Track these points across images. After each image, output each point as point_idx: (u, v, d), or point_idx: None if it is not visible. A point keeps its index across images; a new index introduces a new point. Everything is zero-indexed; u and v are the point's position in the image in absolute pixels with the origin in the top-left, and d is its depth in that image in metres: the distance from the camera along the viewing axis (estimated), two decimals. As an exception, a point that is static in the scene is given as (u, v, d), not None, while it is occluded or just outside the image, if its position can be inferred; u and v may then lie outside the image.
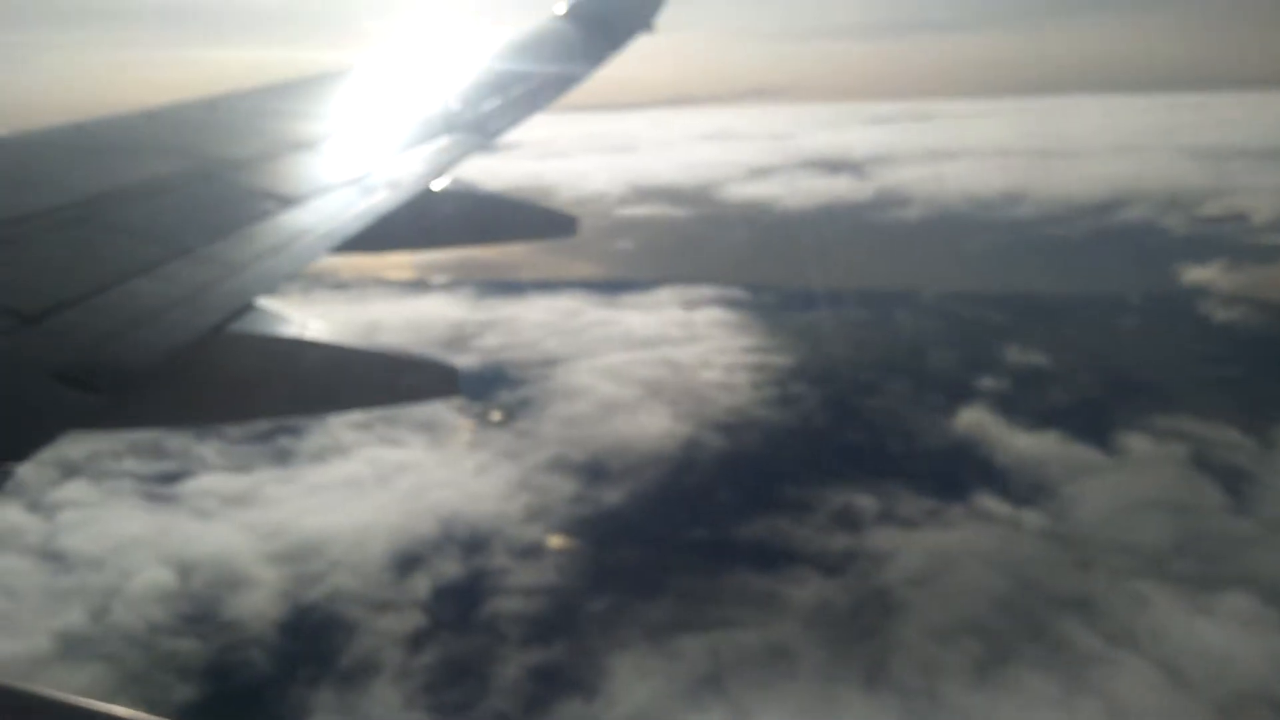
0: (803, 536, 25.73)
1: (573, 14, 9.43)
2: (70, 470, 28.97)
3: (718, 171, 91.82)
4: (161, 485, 28.44)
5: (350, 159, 5.48)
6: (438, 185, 5.57)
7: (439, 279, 56.06)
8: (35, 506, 27.08)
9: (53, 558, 24.00)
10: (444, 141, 6.18)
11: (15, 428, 2.56)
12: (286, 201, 4.56)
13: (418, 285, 55.89)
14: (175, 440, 30.80)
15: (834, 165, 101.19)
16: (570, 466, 28.70)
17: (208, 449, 30.65)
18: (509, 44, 8.72)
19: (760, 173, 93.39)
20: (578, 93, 8.36)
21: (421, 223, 5.40)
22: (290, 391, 3.68)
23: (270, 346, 3.59)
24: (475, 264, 57.01)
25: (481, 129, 6.68)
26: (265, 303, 3.70)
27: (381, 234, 4.73)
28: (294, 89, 6.94)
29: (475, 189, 6.13)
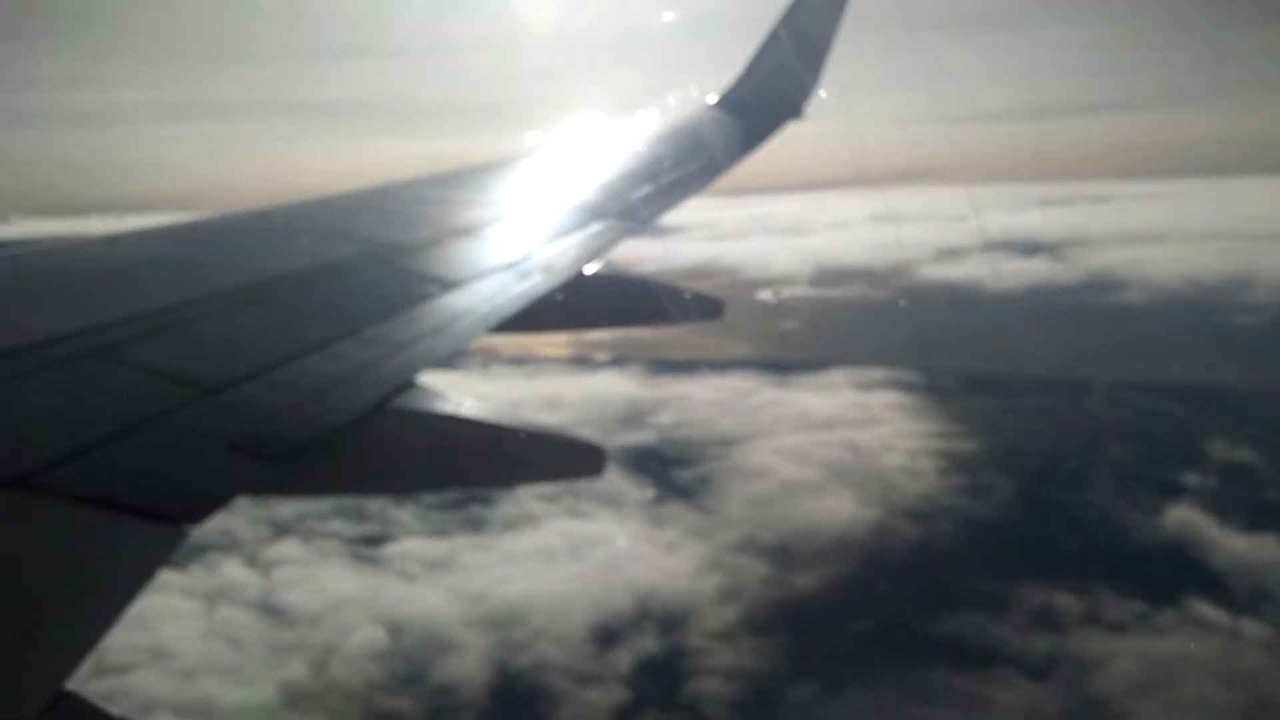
0: (1001, 635, 24.67)
1: (724, 102, 9.67)
2: (281, 529, 30.71)
3: (906, 253, 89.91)
4: (365, 547, 29.78)
5: (508, 244, 5.71)
6: (590, 269, 5.75)
7: (601, 356, 57.18)
8: (252, 562, 28.78)
9: (272, 612, 25.40)
10: (597, 227, 6.39)
11: (195, 492, 2.72)
12: (448, 285, 4.78)
13: (585, 362, 57.14)
14: (375, 505, 32.28)
15: (1026, 247, 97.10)
16: (760, 548, 28.52)
17: (405, 514, 31.98)
18: (662, 132, 8.95)
19: (951, 254, 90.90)
20: (731, 177, 8.49)
21: (575, 305, 5.50)
22: (446, 466, 3.77)
23: (428, 423, 3.65)
24: (638, 342, 57.87)
25: (634, 214, 6.86)
26: (425, 380, 3.82)
27: (537, 315, 4.90)
28: (458, 177, 7.30)
29: (624, 273, 6.24)
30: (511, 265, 5.30)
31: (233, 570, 27.91)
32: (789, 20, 9.82)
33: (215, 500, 2.74)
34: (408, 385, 3.71)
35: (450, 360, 3.97)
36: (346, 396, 3.45)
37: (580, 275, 5.60)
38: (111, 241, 5.08)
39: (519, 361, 53.86)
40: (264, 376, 3.43)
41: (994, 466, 35.51)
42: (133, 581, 2.37)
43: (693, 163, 8.19)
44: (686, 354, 55.98)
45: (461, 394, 3.81)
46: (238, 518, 32.57)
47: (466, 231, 5.87)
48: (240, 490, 2.85)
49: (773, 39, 9.86)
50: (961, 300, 78.76)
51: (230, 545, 29.50)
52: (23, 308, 3.83)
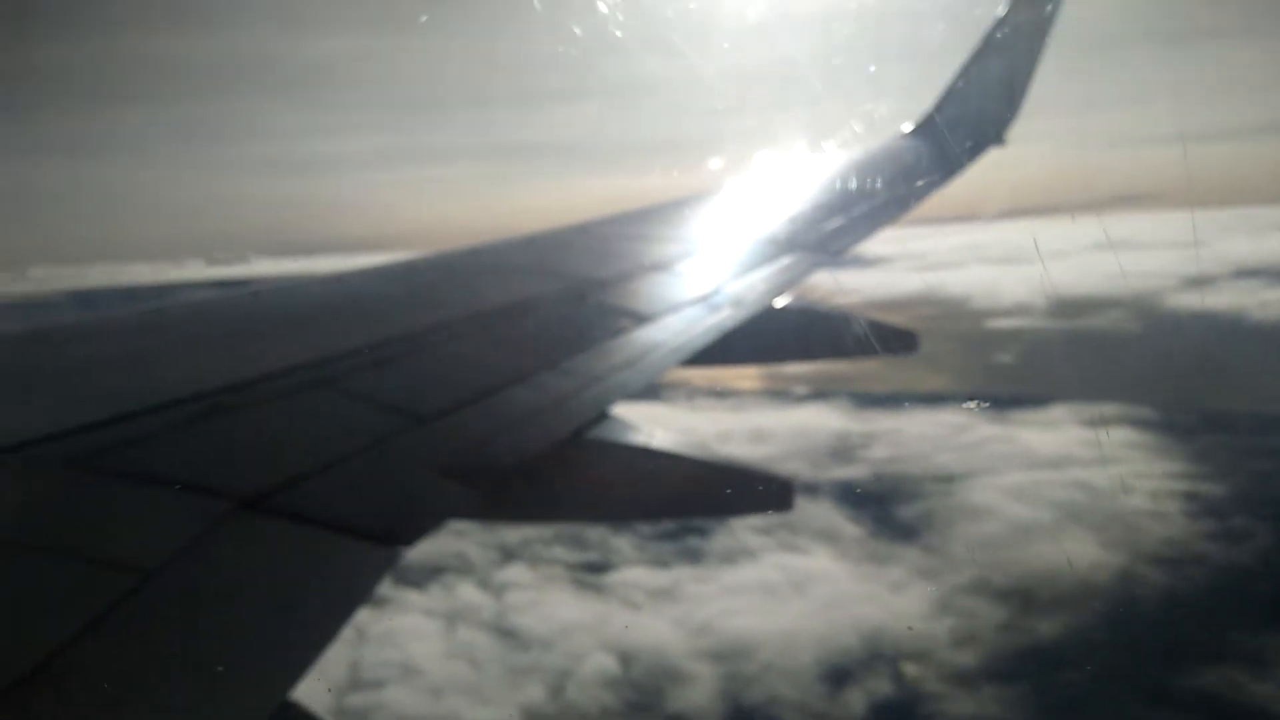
0: (1263, 692, 22.57)
1: (920, 131, 9.37)
2: (509, 553, 31.86)
3: (1145, 281, 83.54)
4: (588, 574, 30.46)
5: (700, 278, 5.74)
6: (781, 302, 5.68)
7: (800, 389, 56.37)
8: (485, 585, 29.99)
9: (507, 634, 26.35)
10: (788, 260, 6.34)
11: (407, 516, 2.84)
12: (641, 318, 4.90)
13: (785, 395, 56.52)
14: (595, 532, 32.97)
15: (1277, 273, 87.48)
16: (994, 591, 27.23)
17: (624, 543, 32.50)
18: (855, 163, 8.70)
19: (1199, 282, 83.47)
20: (931, 206, 8.24)
21: (767, 338, 5.48)
22: (636, 497, 3.85)
23: (619, 454, 3.71)
24: (838, 375, 56.68)
25: (827, 246, 6.76)
26: (619, 411, 3.88)
27: (729, 348, 4.91)
28: (652, 213, 7.38)
29: (815, 306, 6.13)
30: (703, 299, 5.37)
31: (467, 592, 29.15)
32: (989, 44, 9.54)
33: (426, 524, 2.85)
34: (602, 417, 3.82)
35: (643, 392, 4.06)
36: (545, 427, 3.59)
37: (771, 308, 5.62)
38: (338, 279, 5.47)
39: (721, 394, 53.93)
40: (471, 406, 3.60)
41: (1246, 510, 32.63)
42: (351, 598, 2.48)
43: (887, 192, 8.11)
44: (894, 386, 54.50)
45: (654, 426, 3.87)
46: (469, 541, 34.07)
47: (659, 266, 6.01)
48: (449, 515, 2.98)
49: (972, 63, 9.62)
50: (1207, 331, 72.55)
51: (464, 568, 30.86)
52: (259, 340, 4.13)
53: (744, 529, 32.43)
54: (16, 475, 2.71)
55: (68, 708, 1.92)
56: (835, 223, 7.35)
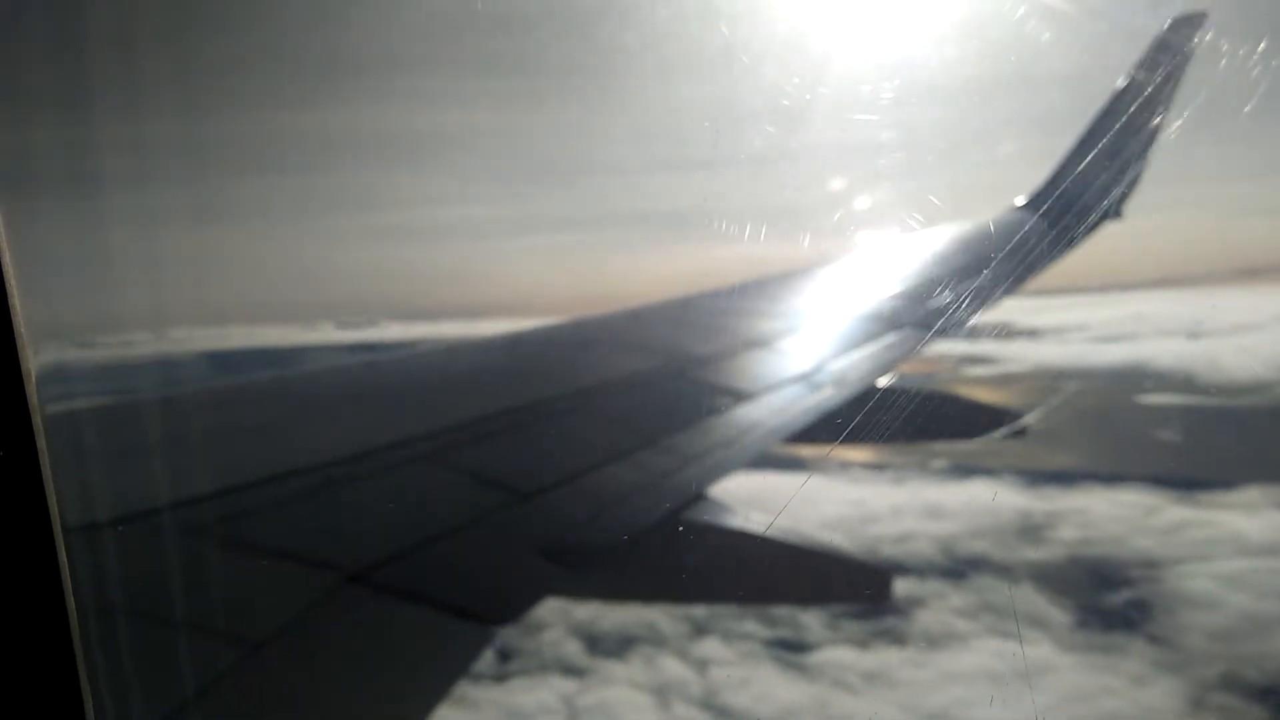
0: None
1: (1033, 204, 9.05)
2: (700, 625, 30.92)
3: None
4: (788, 652, 29.32)
5: (802, 356, 5.65)
6: (885, 380, 5.52)
7: (939, 463, 54.52)
8: (684, 658, 29.10)
9: (725, 714, 25.38)
10: (894, 337, 6.17)
11: (506, 594, 2.95)
12: (741, 396, 4.95)
13: (925, 469, 54.75)
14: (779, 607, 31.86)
15: None
16: (1251, 689, 25.26)
17: (813, 618, 31.28)
18: (967, 237, 8.61)
19: None
20: (1042, 280, 7.88)
21: (873, 417, 5.28)
22: (733, 581, 3.83)
23: (717, 536, 3.72)
24: (975, 452, 54.72)
25: (936, 322, 6.45)
26: (716, 491, 3.88)
27: (832, 427, 4.79)
28: (755, 288, 7.25)
29: (920, 384, 5.79)
30: (804, 377, 5.36)
31: (671, 667, 28.27)
32: (1107, 114, 9.30)
33: (523, 603, 2.99)
34: (699, 497, 3.90)
35: (739, 471, 4.02)
36: (642, 507, 3.65)
37: (875, 387, 5.46)
38: (449, 351, 5.66)
39: (873, 467, 52.51)
40: (570, 484, 3.71)
41: None
42: (447, 675, 2.54)
43: (999, 267, 7.80)
44: (1050, 464, 52.28)
45: (751, 507, 3.82)
46: (655, 611, 33.24)
47: (761, 343, 6.01)
48: (546, 593, 3.10)
49: (1089, 135, 9.39)
50: None
51: (657, 639, 30.02)
52: (373, 412, 4.35)
53: (944, 608, 30.98)
54: (137, 543, 2.73)
55: None
56: (944, 298, 7.10)
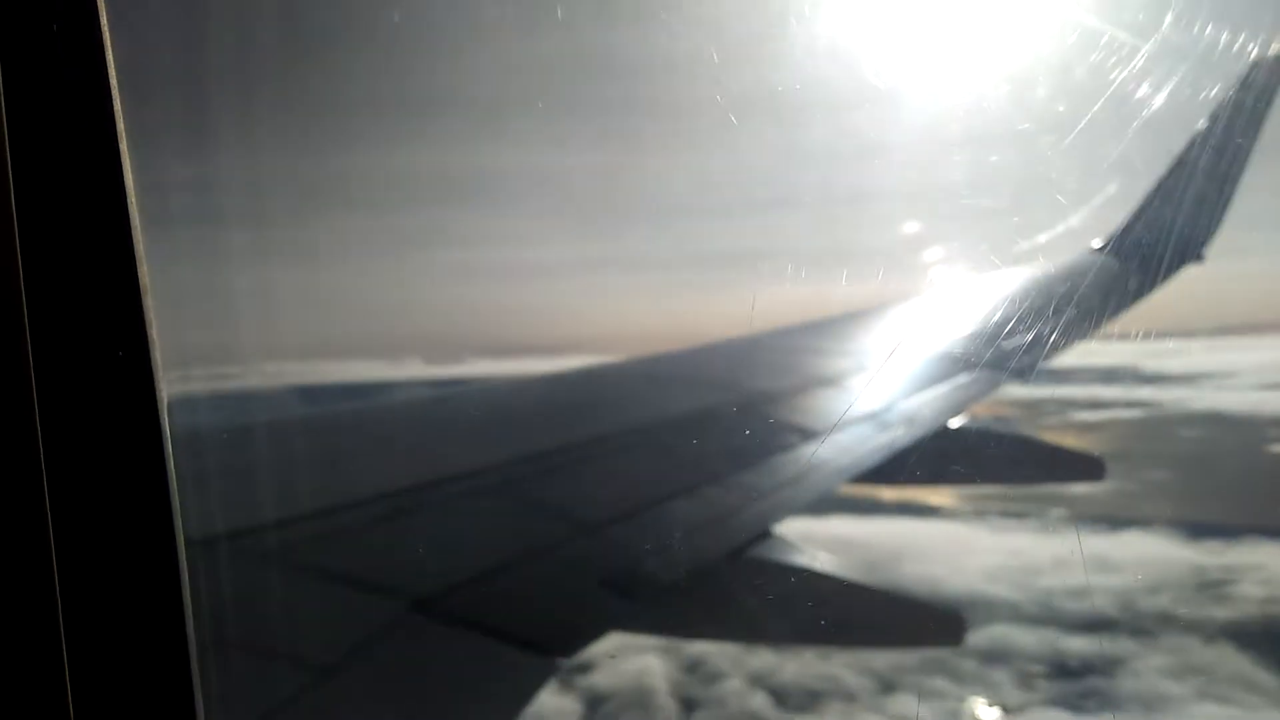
0: None
1: (1112, 248, 9.02)
2: (885, 682, 30.00)
3: None
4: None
5: (871, 395, 5.62)
6: (957, 421, 5.41)
7: (1023, 508, 53.01)
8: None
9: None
10: (965, 378, 6.11)
11: (569, 627, 2.90)
12: (808, 434, 4.84)
13: (1013, 515, 53.32)
14: (967, 663, 30.94)
15: None
16: None
17: (1002, 675, 30.08)
18: (1041, 278, 8.29)
19: None
20: (1120, 324, 7.92)
21: (942, 458, 5.29)
22: (800, 620, 3.80)
23: (782, 574, 3.68)
24: (1088, 497, 52.96)
25: (1008, 364, 6.44)
26: (782, 529, 3.83)
27: (902, 467, 4.77)
28: (825, 327, 7.31)
29: (991, 426, 5.80)
30: (873, 416, 5.35)
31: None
32: (1188, 156, 9.14)
33: (587, 636, 2.93)
34: (765, 535, 3.84)
35: (806, 510, 4.04)
36: (707, 542, 3.62)
37: (946, 427, 5.47)
38: (525, 386, 5.88)
39: (937, 510, 51.44)
40: (635, 518, 3.67)
41: None
42: (509, 708, 2.52)
43: (1074, 310, 7.63)
44: (1187, 513, 50.53)
45: (817, 547, 3.81)
46: (837, 663, 32.56)
47: (830, 381, 6.04)
48: (609, 627, 3.05)
49: (1169, 176, 9.27)
50: None
51: (844, 694, 29.24)
52: (448, 443, 4.45)
53: (1147, 670, 29.62)
54: (209, 568, 2.53)
55: None
56: (1017, 339, 7.04)
